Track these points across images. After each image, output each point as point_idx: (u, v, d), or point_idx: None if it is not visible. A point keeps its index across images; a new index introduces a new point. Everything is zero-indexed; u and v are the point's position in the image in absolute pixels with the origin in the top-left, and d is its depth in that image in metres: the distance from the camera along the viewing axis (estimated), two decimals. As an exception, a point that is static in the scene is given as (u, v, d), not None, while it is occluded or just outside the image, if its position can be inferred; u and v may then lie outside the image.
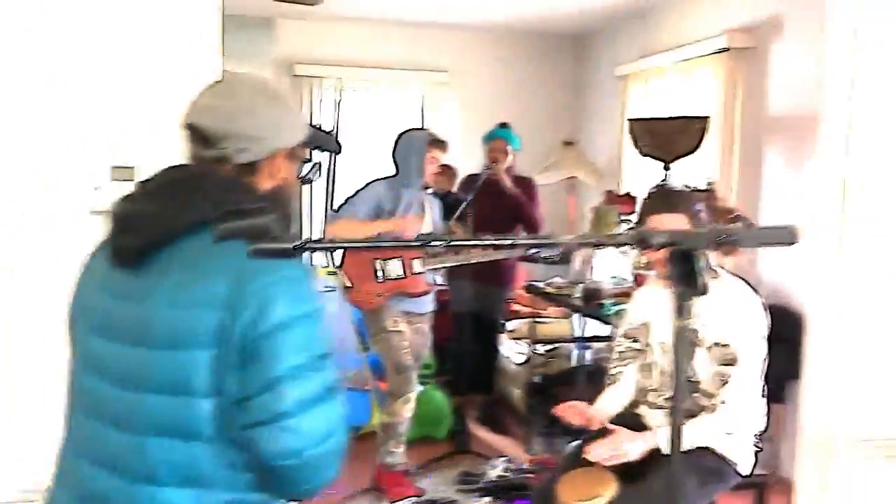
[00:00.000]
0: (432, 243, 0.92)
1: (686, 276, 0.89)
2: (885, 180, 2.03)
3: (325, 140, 1.63)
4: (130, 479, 1.22)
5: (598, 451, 2.25)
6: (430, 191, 3.79)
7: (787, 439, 3.07)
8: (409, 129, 3.72)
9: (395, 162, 3.59)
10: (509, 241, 1.23)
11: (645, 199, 2.44)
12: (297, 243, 0.94)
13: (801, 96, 3.82)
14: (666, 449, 2.19)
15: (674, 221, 2.28)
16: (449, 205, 3.93)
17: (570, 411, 2.41)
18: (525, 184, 4.41)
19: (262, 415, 1.18)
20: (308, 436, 1.20)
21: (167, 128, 2.53)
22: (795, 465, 2.24)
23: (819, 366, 2.16)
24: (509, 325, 5.45)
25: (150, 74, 2.44)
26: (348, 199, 3.57)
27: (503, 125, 4.50)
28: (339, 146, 1.68)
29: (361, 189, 3.57)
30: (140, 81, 2.44)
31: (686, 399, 2.33)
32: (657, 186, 2.49)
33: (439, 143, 3.63)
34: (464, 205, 3.93)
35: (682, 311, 0.90)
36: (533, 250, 4.58)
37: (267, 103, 1.37)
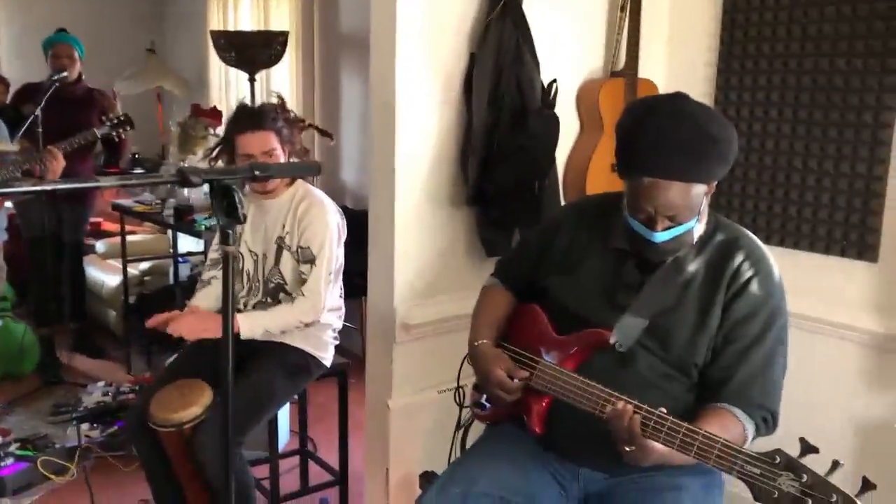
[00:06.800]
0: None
1: (227, 207, 1.02)
2: (424, 105, 2.36)
3: None
4: None
5: (180, 326, 2.32)
6: None
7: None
8: None
9: None
10: (88, 184, 1.21)
11: (229, 120, 2.53)
12: None
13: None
14: (245, 334, 2.36)
15: (259, 138, 2.42)
16: (8, 119, 3.52)
17: (162, 319, 2.39)
18: (102, 97, 4.16)
19: None
20: None
21: None
22: (367, 347, 2.60)
23: (377, 263, 2.50)
24: (99, 246, 5.17)
25: None
26: None
27: (61, 30, 4.15)
28: None
29: None
30: None
31: (273, 300, 2.54)
32: (239, 106, 2.58)
33: None
34: (29, 119, 3.56)
35: (226, 238, 1.03)
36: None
37: None
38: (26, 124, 3.56)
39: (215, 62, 5.26)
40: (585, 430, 1.70)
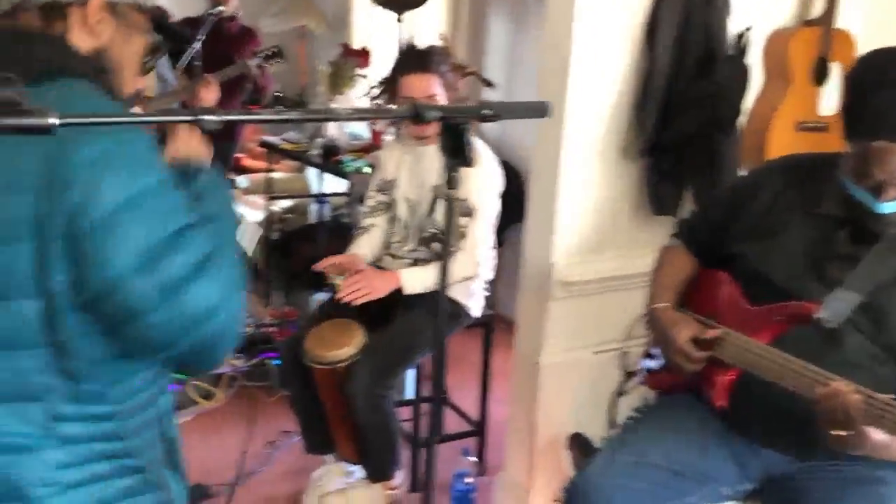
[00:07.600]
0: (205, 117, 0.81)
1: (456, 148, 0.94)
2: (603, 48, 2.21)
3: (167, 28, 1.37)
4: None
5: (349, 289, 2.32)
6: None
7: (504, 280, 3.41)
8: None
9: None
10: (280, 117, 1.17)
11: (396, 60, 2.48)
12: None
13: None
14: (408, 290, 2.35)
15: (424, 81, 2.35)
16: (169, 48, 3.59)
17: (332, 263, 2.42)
18: (255, 36, 4.20)
19: (117, 316, 1.00)
20: (179, 325, 1.03)
21: None
22: (517, 302, 2.51)
23: (537, 215, 2.39)
24: (241, 181, 5.30)
25: None
26: None
27: None
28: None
29: None
30: None
31: (426, 249, 2.51)
32: (406, 46, 2.51)
33: None
34: (190, 52, 3.63)
35: (452, 181, 0.95)
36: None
37: None
38: (185, 58, 3.64)
39: (360, 1, 5.21)
40: (776, 408, 1.56)
